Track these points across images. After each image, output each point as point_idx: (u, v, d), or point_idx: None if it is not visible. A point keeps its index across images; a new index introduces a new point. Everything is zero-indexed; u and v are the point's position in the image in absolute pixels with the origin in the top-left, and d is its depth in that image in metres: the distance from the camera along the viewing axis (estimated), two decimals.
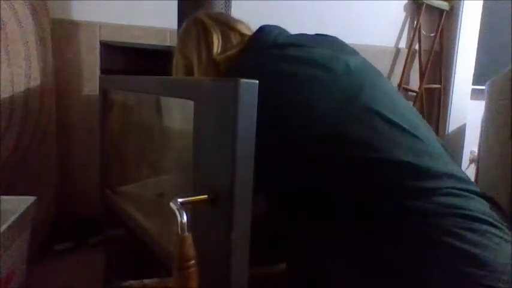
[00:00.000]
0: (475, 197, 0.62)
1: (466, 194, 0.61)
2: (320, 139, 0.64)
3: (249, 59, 0.75)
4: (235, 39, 0.83)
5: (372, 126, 0.64)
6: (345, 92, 0.68)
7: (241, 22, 0.88)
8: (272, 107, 0.65)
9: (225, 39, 0.83)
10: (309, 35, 0.81)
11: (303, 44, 0.75)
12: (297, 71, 0.69)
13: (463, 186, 0.62)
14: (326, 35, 0.82)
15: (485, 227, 0.58)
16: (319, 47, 0.75)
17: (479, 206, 0.61)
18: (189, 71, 0.86)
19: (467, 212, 0.58)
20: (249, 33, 0.84)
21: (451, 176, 0.62)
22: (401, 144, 0.63)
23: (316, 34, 0.82)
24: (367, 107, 0.66)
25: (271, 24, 0.82)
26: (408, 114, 0.70)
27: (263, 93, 0.64)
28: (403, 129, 0.65)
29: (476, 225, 0.57)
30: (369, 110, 0.66)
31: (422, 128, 0.69)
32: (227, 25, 0.85)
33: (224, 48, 0.81)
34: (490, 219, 0.59)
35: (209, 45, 0.82)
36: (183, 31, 0.90)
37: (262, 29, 0.81)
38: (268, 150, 0.62)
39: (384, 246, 0.59)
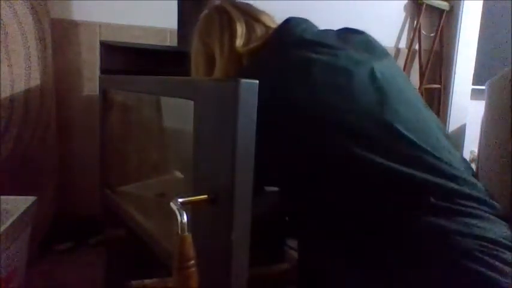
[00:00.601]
0: (496, 219, 0.61)
1: (488, 215, 0.60)
2: (322, 142, 0.64)
3: (270, 57, 0.72)
4: (260, 30, 0.79)
5: (386, 147, 0.62)
6: (364, 102, 0.65)
7: (265, 13, 0.84)
8: (281, 106, 0.64)
9: (249, 30, 0.79)
10: (338, 31, 0.77)
11: (329, 44, 0.71)
12: (315, 74, 0.66)
13: (485, 208, 0.61)
14: (357, 31, 0.78)
15: (508, 253, 0.56)
16: (346, 48, 0.71)
17: (503, 230, 0.59)
18: (210, 60, 0.82)
19: (491, 236, 0.57)
20: (273, 25, 0.81)
21: (472, 197, 0.61)
22: (419, 164, 0.61)
23: (346, 29, 0.78)
24: (386, 122, 0.63)
25: (295, 16, 0.78)
26: (432, 130, 0.67)
27: (275, 91, 0.63)
28: (423, 150, 0.62)
29: (502, 250, 0.56)
30: (388, 127, 0.63)
31: (446, 147, 0.66)
32: (252, 15, 0.81)
33: (248, 40, 0.78)
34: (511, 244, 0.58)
35: (233, 36, 0.78)
36: (205, 19, 0.85)
37: (288, 21, 0.76)
38: (270, 149, 0.62)
39: (386, 249, 0.59)
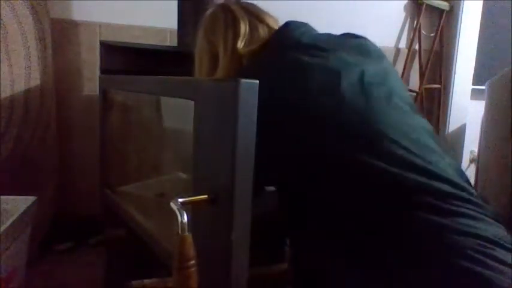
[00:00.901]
0: (491, 220, 0.61)
1: (482, 217, 0.60)
2: (322, 142, 0.64)
3: (269, 58, 0.73)
4: (262, 31, 0.80)
5: (378, 148, 0.62)
6: (352, 104, 0.65)
7: (269, 15, 0.85)
8: (280, 106, 0.65)
9: (252, 30, 0.80)
10: (336, 36, 0.78)
11: (324, 47, 0.72)
12: (310, 76, 0.67)
13: (479, 209, 0.61)
14: (356, 36, 0.79)
15: (504, 252, 0.57)
16: (341, 50, 0.72)
17: (498, 231, 0.60)
18: (214, 58, 0.83)
19: (488, 236, 0.57)
20: (276, 27, 0.82)
21: (465, 199, 0.61)
22: (412, 167, 0.61)
23: (345, 34, 0.79)
24: (374, 125, 0.64)
25: (294, 20, 0.79)
26: (422, 135, 0.68)
27: (273, 91, 0.64)
28: (413, 153, 0.63)
29: (499, 250, 0.56)
30: (377, 129, 0.64)
31: (437, 151, 0.67)
32: (256, 16, 0.82)
33: (250, 40, 0.79)
34: (509, 246, 0.58)
35: (236, 35, 0.79)
36: (210, 17, 0.86)
37: (288, 24, 0.78)
38: (270, 149, 0.62)
39: (386, 249, 0.59)
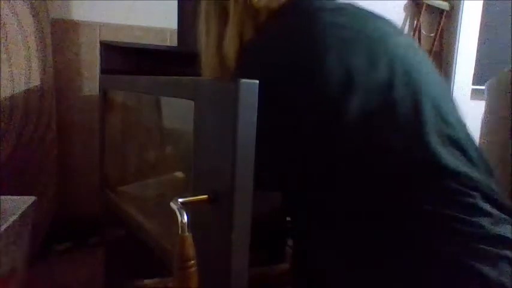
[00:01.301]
0: (508, 218, 0.58)
1: (502, 215, 0.57)
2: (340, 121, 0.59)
3: (299, 20, 0.64)
4: None
5: (409, 125, 0.58)
6: (392, 73, 0.60)
7: None
8: (309, 76, 0.59)
9: None
10: (358, 7, 0.70)
11: (351, 13, 0.66)
12: (353, 36, 0.61)
13: (496, 206, 0.58)
14: (375, 14, 0.72)
15: None
16: (370, 21, 0.67)
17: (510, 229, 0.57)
18: (223, 11, 0.72)
19: (502, 234, 0.54)
20: None
21: (486, 194, 0.58)
22: (446, 158, 0.57)
23: (364, 9, 0.72)
24: (413, 97, 0.59)
25: None
26: (458, 116, 0.64)
27: (304, 58, 0.59)
28: (453, 141, 0.59)
29: (508, 251, 0.54)
30: (413, 101, 0.58)
31: (470, 135, 0.63)
32: None
33: None
34: None
35: None
36: None
37: None
38: (281, 134, 0.60)
39: (389, 250, 0.58)
